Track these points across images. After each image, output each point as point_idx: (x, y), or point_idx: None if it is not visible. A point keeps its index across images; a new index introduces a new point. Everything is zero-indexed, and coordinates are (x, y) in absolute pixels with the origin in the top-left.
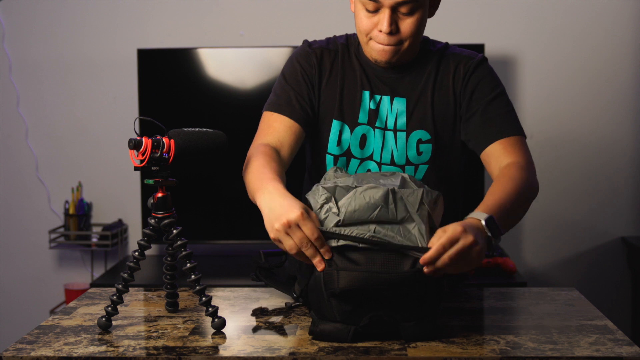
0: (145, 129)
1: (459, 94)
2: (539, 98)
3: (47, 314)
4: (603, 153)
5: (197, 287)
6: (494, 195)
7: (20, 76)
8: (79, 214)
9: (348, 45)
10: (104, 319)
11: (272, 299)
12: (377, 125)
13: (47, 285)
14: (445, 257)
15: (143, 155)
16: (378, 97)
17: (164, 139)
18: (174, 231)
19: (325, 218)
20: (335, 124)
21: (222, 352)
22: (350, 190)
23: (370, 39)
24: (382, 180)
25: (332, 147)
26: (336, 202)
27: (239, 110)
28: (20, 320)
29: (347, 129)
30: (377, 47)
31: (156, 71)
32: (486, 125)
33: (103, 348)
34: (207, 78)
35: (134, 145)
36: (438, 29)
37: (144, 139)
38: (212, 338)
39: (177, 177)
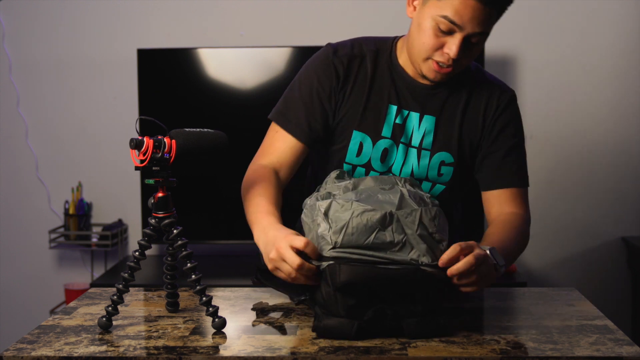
0: (146, 129)
1: (487, 125)
2: (539, 98)
3: (47, 314)
4: (603, 153)
5: (198, 287)
6: (497, 236)
7: (20, 76)
8: (79, 214)
9: (377, 51)
10: (104, 318)
11: (273, 299)
12: (402, 140)
13: (47, 285)
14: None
15: (144, 155)
16: (406, 112)
17: (165, 139)
18: (175, 231)
19: (321, 240)
20: (356, 135)
21: (223, 352)
22: (347, 208)
23: (431, 57)
24: (381, 196)
25: (350, 157)
26: (329, 223)
27: (239, 110)
28: (20, 320)
29: (369, 140)
30: (434, 66)
31: (156, 71)
32: (502, 169)
33: (103, 348)
34: (207, 78)
35: (136, 145)
36: None
37: (145, 139)
38: (213, 338)
39: (178, 177)
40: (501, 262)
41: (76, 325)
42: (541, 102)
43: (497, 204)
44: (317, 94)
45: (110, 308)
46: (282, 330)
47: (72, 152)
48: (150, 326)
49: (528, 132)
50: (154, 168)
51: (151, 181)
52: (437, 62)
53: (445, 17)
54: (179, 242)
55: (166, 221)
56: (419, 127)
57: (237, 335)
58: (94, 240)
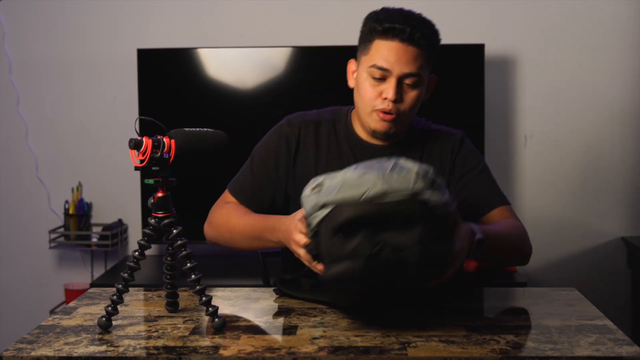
0: (146, 129)
1: (448, 169)
2: (539, 98)
3: (47, 314)
4: (603, 153)
5: (197, 287)
6: (494, 226)
7: (20, 76)
8: (79, 214)
9: (334, 120)
10: (104, 318)
11: (272, 299)
12: None
13: (47, 285)
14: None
15: (143, 155)
16: None
17: (164, 139)
18: (174, 231)
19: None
20: None
21: (222, 352)
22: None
23: (374, 108)
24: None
25: None
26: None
27: (239, 110)
28: (20, 320)
29: None
30: (379, 116)
31: (156, 71)
32: (480, 195)
33: (103, 348)
34: (207, 78)
35: (135, 145)
36: (439, 29)
37: (144, 139)
38: (212, 338)
39: (177, 177)
40: (477, 232)
41: (76, 325)
42: (541, 102)
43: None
44: (269, 168)
45: (110, 308)
46: (281, 330)
47: (72, 152)
48: (150, 326)
49: (528, 132)
50: (153, 168)
51: (151, 181)
52: (381, 111)
53: (374, 66)
54: (179, 242)
55: (166, 221)
56: None
57: (237, 335)
58: (94, 240)
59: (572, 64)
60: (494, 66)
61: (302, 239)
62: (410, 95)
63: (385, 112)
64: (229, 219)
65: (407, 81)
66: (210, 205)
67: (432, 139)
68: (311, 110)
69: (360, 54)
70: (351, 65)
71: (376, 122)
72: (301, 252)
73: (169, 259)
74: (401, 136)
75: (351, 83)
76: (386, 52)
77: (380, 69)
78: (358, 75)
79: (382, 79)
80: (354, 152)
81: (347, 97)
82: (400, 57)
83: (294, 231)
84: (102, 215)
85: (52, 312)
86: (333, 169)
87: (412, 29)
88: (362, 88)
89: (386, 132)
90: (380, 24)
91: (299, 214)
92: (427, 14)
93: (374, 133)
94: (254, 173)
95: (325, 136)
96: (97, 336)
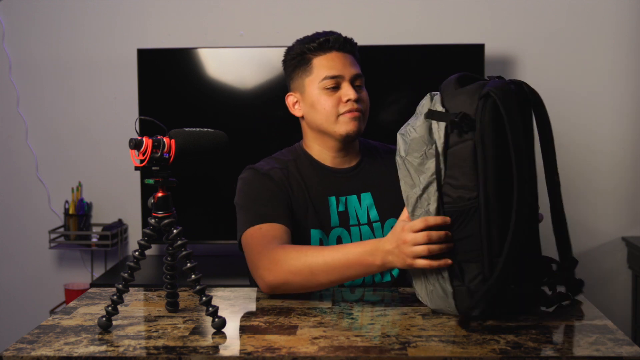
0: (146, 129)
1: None
2: None
3: (47, 314)
4: (603, 153)
5: (197, 287)
6: None
7: (20, 76)
8: (79, 214)
9: (295, 159)
10: (104, 318)
11: (272, 299)
12: (351, 223)
13: (47, 285)
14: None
15: (144, 155)
16: (343, 198)
17: (164, 139)
18: (174, 231)
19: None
20: (314, 233)
21: (222, 352)
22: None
23: (339, 114)
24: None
25: None
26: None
27: (239, 110)
28: (20, 320)
29: (324, 235)
30: (346, 117)
31: (156, 71)
32: None
33: (103, 348)
34: (207, 78)
35: (135, 145)
36: (439, 29)
37: (144, 139)
38: (212, 338)
39: (177, 177)
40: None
41: (76, 325)
42: None
43: None
44: (271, 189)
45: (110, 308)
46: (281, 330)
47: (72, 152)
48: (150, 326)
49: None
50: (153, 168)
51: (151, 181)
52: (347, 112)
53: (326, 78)
54: (179, 242)
55: (166, 221)
56: (361, 205)
57: (237, 335)
58: (94, 240)
59: (572, 64)
60: (494, 66)
61: (417, 224)
62: (364, 94)
63: (352, 111)
64: (300, 255)
65: (357, 82)
66: (211, 205)
67: (382, 153)
68: (261, 162)
69: (301, 80)
70: (290, 98)
71: (345, 125)
72: (420, 250)
73: (169, 259)
74: (361, 156)
75: (297, 113)
76: (332, 63)
77: (333, 77)
78: (307, 98)
79: (336, 87)
80: (327, 181)
81: None
82: (344, 63)
83: (404, 232)
84: (102, 215)
85: (52, 312)
86: (317, 203)
87: (343, 39)
88: (320, 103)
89: (357, 131)
90: (314, 42)
91: (404, 215)
92: (428, 14)
93: (345, 137)
94: (261, 198)
95: (296, 174)
96: (97, 336)
